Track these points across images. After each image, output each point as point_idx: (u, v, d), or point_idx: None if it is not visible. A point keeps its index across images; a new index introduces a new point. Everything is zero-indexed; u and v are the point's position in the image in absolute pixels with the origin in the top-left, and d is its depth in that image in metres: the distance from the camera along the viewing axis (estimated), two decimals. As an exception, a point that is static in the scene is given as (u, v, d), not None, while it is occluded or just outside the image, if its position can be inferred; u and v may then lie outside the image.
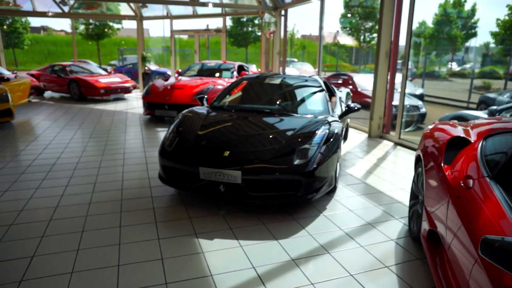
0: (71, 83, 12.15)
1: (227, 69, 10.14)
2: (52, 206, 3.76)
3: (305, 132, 3.87)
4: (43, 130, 7.49)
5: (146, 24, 14.52)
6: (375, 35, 36.30)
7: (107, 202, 3.88)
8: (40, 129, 7.67)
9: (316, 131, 3.85)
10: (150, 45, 32.85)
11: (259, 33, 34.29)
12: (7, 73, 12.87)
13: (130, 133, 7.30)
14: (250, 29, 33.85)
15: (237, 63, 10.51)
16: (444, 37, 30.18)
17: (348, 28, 37.49)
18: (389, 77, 7.07)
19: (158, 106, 8.20)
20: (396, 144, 6.74)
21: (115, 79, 12.57)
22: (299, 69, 19.66)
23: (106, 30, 31.28)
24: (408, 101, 8.77)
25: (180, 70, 10.69)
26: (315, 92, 5.02)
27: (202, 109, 4.73)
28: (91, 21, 31.26)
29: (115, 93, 12.21)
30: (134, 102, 11.84)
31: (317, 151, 3.61)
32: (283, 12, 11.78)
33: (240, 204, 3.80)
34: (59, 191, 4.20)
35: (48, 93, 13.94)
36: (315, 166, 3.49)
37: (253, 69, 14.77)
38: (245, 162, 3.48)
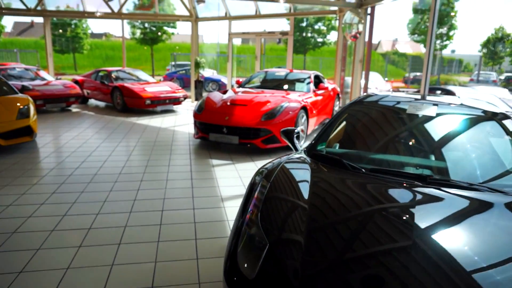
0: (115, 91, 10.57)
1: (301, 80, 7.94)
2: None
3: None
4: (64, 157, 5.71)
5: (200, 30, 12.81)
6: (447, 42, 32.66)
7: None
8: (62, 154, 5.92)
9: None
10: (204, 51, 31.64)
11: (319, 39, 31.96)
12: (50, 79, 11.63)
13: (175, 167, 5.32)
14: (309, 34, 31.65)
15: (312, 72, 8.32)
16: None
17: (416, 35, 34.12)
18: None
19: (214, 129, 6.19)
20: None
21: (164, 88, 10.83)
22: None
23: (159, 33, 30.47)
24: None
25: (240, 80, 8.67)
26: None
27: (299, 161, 2.55)
28: (146, 25, 30.65)
29: (163, 104, 10.46)
30: (184, 117, 10.00)
31: None
32: (369, 10, 9.46)
33: None
34: (55, 276, 2.22)
35: (92, 101, 12.57)
36: None
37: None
38: None
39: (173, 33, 32.07)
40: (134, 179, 4.69)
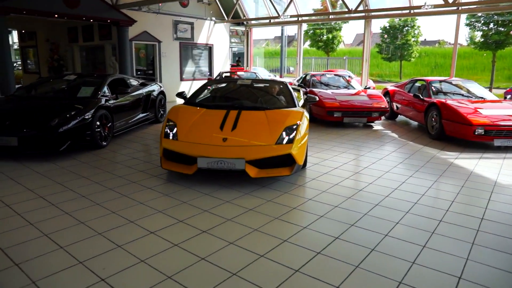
0: (431, 109, 7.59)
1: None
2: None
3: None
4: (330, 212, 3.47)
5: None
6: None
7: None
8: (325, 206, 3.69)
9: None
10: None
11: None
12: (358, 88, 10.05)
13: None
14: None
15: None
16: None
17: None
18: None
19: None
20: None
21: (509, 111, 6.90)
22: None
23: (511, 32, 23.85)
24: None
25: None
26: None
27: None
28: (491, 26, 24.79)
29: (504, 137, 6.58)
30: (543, 162, 5.85)
31: None
32: None
33: None
34: None
35: (401, 118, 10.08)
36: None
37: None
38: None
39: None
40: None
